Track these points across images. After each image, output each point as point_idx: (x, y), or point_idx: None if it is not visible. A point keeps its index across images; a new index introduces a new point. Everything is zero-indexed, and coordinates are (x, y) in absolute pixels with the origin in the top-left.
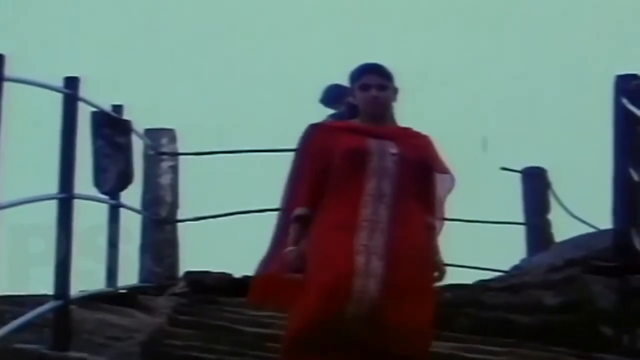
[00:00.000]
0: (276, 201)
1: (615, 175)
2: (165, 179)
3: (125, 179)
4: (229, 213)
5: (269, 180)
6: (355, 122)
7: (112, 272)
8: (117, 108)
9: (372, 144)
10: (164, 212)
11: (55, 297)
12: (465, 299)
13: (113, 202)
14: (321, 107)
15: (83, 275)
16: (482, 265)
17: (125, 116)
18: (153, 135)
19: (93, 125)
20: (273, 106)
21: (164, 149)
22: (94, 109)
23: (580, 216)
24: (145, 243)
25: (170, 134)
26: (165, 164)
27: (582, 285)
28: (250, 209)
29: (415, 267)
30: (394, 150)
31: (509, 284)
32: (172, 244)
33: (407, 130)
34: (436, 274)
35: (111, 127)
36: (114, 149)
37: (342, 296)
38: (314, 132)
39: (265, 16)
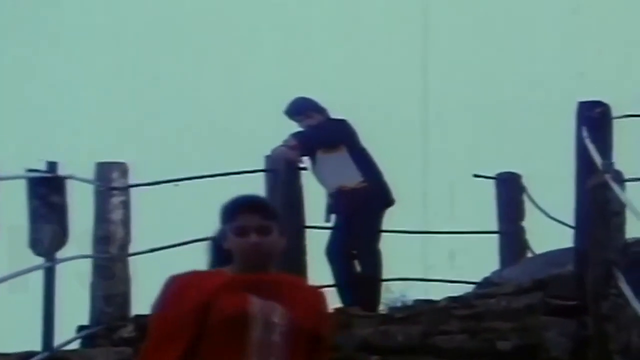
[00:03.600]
0: None
1: (577, 205)
2: (116, 215)
3: (60, 240)
4: (180, 243)
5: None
6: (230, 270)
7: (48, 334)
8: (52, 165)
9: (255, 307)
10: (114, 250)
11: None
12: (416, 343)
13: (47, 264)
14: (285, 119)
15: None
16: (456, 276)
17: (62, 171)
18: (103, 169)
19: (28, 185)
20: (228, 128)
21: (115, 184)
22: (29, 168)
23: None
24: (96, 282)
25: (121, 167)
26: (116, 200)
27: (538, 326)
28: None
29: None
30: (281, 319)
31: (472, 312)
32: (123, 282)
33: (297, 283)
34: None
35: (46, 186)
36: (49, 208)
37: None
38: (176, 288)
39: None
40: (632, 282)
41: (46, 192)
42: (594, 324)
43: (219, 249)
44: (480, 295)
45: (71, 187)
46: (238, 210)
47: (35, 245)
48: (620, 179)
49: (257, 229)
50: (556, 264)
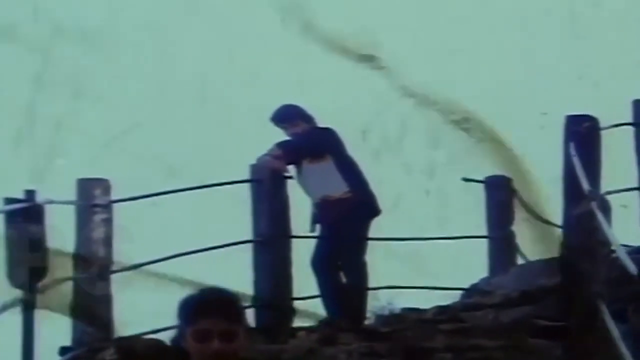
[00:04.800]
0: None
1: (565, 221)
2: (98, 233)
3: (38, 273)
4: (163, 258)
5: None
6: None
7: None
8: (30, 193)
9: None
10: (96, 269)
11: None
12: None
13: (26, 297)
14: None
15: None
16: (445, 282)
17: (40, 198)
18: (86, 185)
19: (6, 214)
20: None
21: (97, 201)
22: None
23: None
24: (77, 302)
25: (103, 184)
26: (98, 217)
27: (524, 349)
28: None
29: None
30: None
31: (458, 327)
32: (105, 302)
33: None
34: None
35: (24, 216)
36: (27, 239)
37: None
38: None
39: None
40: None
41: (24, 222)
42: (580, 358)
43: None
44: (467, 306)
45: (52, 208)
46: (199, 311)
47: (14, 277)
48: (607, 207)
49: (220, 334)
50: (544, 273)
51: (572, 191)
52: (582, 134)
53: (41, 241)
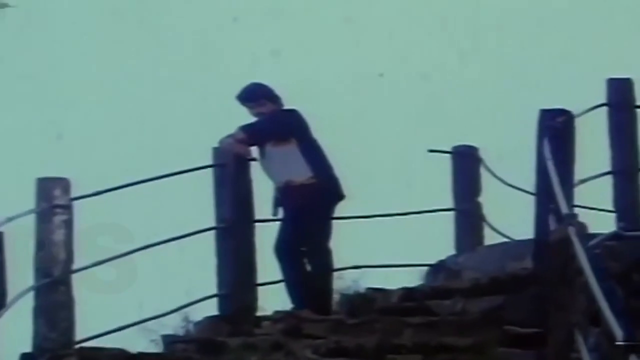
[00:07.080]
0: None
1: (537, 221)
2: (58, 235)
3: None
4: (125, 253)
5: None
6: None
7: None
8: None
9: None
10: (57, 272)
11: None
12: None
13: None
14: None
15: None
16: (412, 259)
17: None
18: (45, 185)
19: None
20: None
21: (57, 201)
22: None
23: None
24: (38, 306)
25: (63, 183)
26: (59, 219)
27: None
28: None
29: None
30: None
31: (427, 321)
32: (67, 306)
33: None
34: None
35: None
36: None
37: None
38: None
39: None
40: None
41: None
42: None
43: None
44: (435, 291)
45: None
46: None
47: None
48: (584, 231)
49: None
50: (514, 256)
51: (545, 206)
52: (558, 128)
53: (1, 266)
